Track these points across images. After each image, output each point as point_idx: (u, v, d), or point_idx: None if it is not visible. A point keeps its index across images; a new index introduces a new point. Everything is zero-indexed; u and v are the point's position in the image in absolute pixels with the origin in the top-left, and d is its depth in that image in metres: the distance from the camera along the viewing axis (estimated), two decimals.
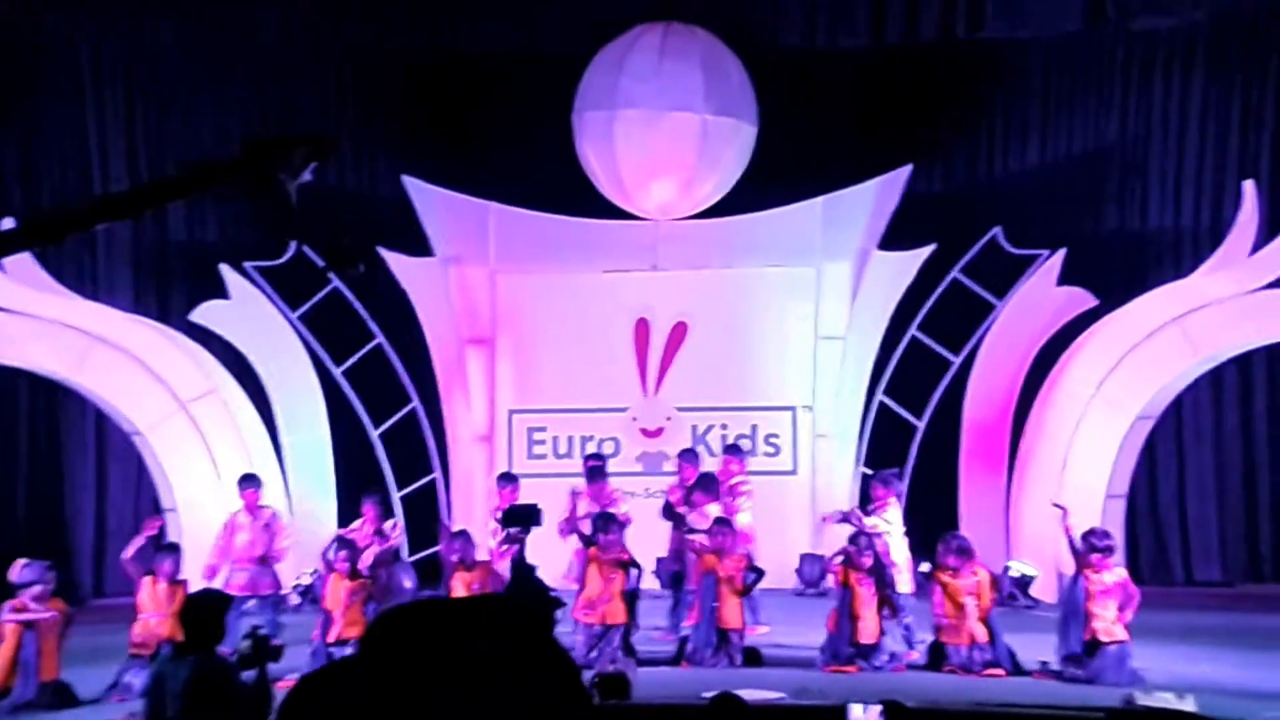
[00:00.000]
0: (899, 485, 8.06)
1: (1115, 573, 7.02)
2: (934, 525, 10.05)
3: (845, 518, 7.96)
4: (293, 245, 10.77)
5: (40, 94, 10.55)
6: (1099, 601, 6.84)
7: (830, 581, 8.16)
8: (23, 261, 9.63)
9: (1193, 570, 10.90)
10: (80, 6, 10.47)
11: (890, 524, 7.72)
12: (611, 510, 7.99)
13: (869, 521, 7.67)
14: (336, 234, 6.27)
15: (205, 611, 4.33)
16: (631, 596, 7.60)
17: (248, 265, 10.54)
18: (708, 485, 8.21)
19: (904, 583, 7.58)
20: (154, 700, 4.11)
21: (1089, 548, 6.99)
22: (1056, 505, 7.38)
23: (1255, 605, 9.70)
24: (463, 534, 7.91)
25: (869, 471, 10.74)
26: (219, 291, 10.46)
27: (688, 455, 8.97)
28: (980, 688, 6.60)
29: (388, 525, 8.40)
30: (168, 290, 10.94)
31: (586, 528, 7.85)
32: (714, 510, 7.98)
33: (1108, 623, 6.80)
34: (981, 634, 7.02)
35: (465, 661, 1.20)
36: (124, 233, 10.92)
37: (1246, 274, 9.47)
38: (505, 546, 7.97)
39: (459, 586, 7.30)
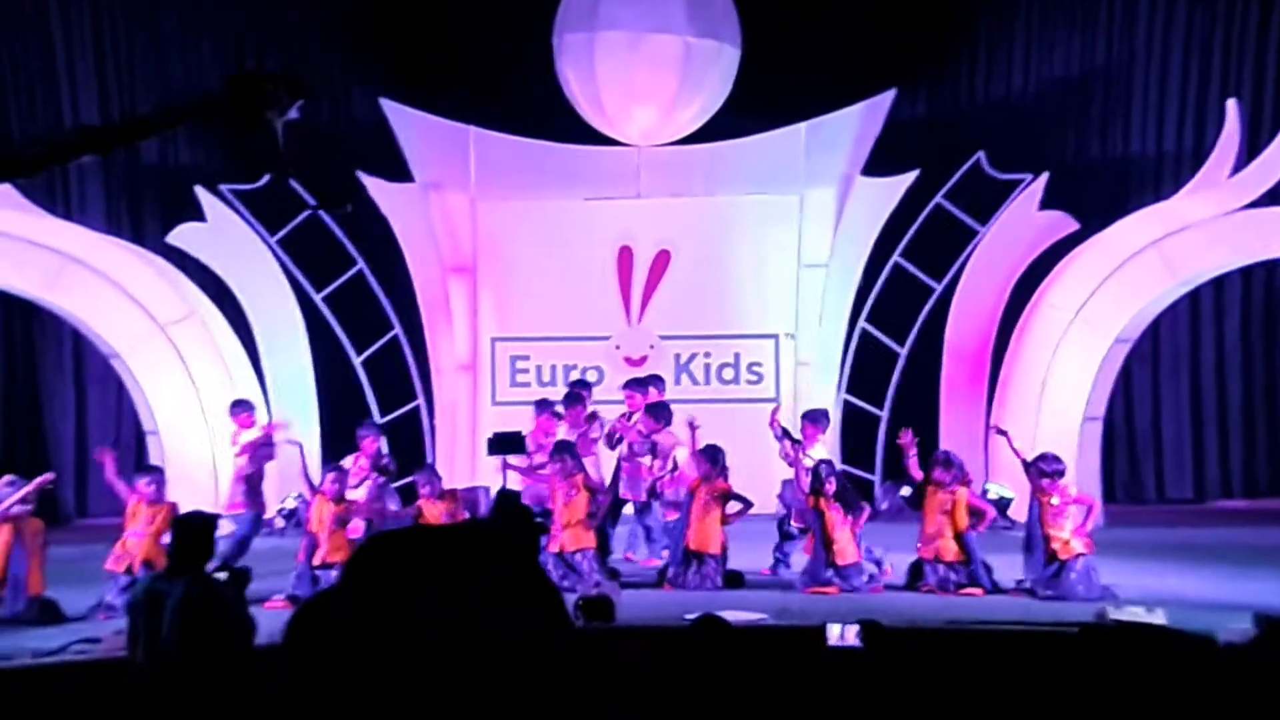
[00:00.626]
0: (827, 424, 8.16)
1: (1066, 492, 7.15)
2: (916, 450, 10.20)
3: (773, 424, 7.93)
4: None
5: (4, 19, 10.23)
6: (1054, 524, 6.98)
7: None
8: None
9: (1165, 488, 11.14)
10: None
11: (813, 460, 7.80)
12: (571, 438, 7.98)
13: (806, 461, 7.71)
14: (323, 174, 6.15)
15: (195, 532, 4.37)
16: (596, 519, 7.64)
17: (224, 188, 10.38)
18: (657, 414, 8.19)
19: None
20: (143, 618, 4.17)
21: (1038, 473, 7.12)
22: (999, 431, 7.49)
23: (1224, 521, 9.93)
24: (429, 468, 7.94)
25: (851, 398, 10.86)
26: (194, 214, 10.31)
27: (634, 385, 8.65)
28: (956, 606, 6.73)
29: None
30: (140, 211, 10.79)
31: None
32: (667, 439, 7.99)
33: (1062, 542, 6.95)
34: (949, 552, 7.15)
35: (448, 587, 1.21)
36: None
37: (1226, 195, 9.49)
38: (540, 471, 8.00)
39: (429, 519, 7.34)
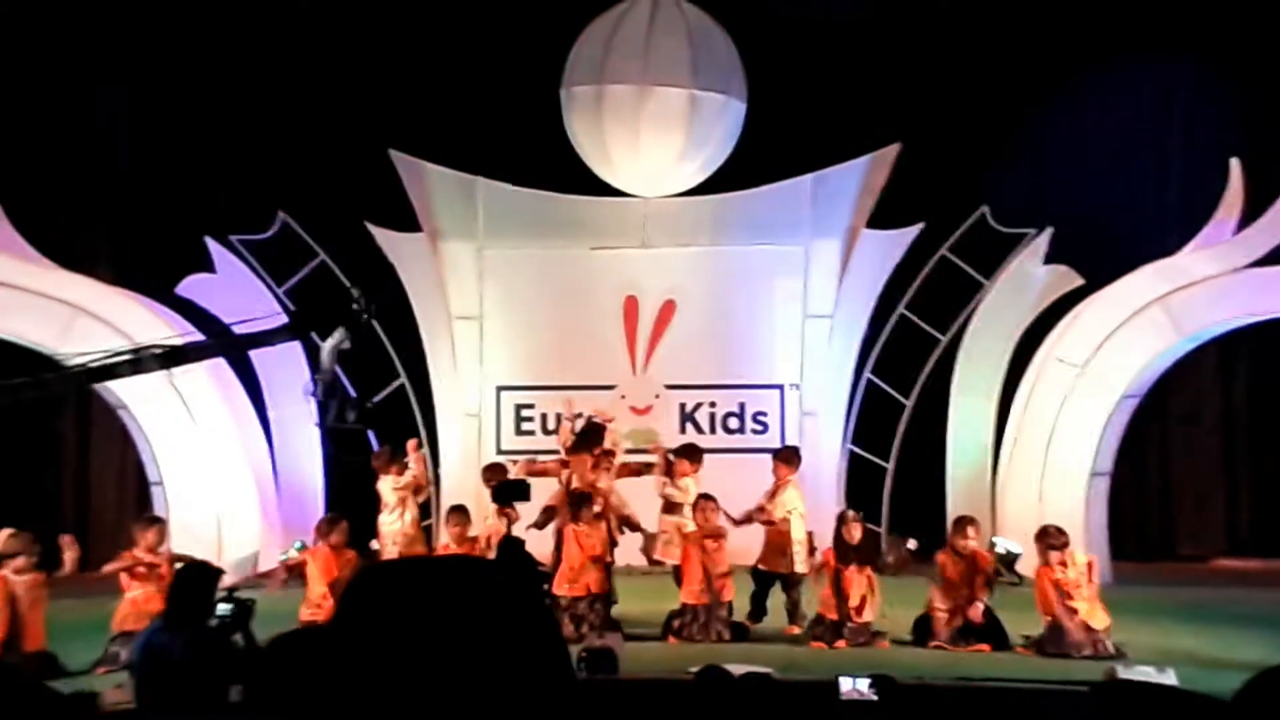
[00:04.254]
0: (798, 462, 8.09)
1: (1077, 561, 7.08)
2: (920, 503, 10.16)
3: (750, 518, 7.87)
4: (279, 219, 10.72)
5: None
6: (1080, 593, 6.91)
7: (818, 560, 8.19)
8: (6, 233, 9.52)
9: (1173, 545, 11.04)
10: None
11: (789, 504, 7.77)
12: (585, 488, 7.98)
13: (776, 513, 7.70)
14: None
15: (196, 584, 4.34)
16: (608, 569, 7.64)
17: (233, 238, 10.46)
18: (691, 455, 8.20)
19: (800, 562, 7.64)
20: (146, 672, 4.12)
21: (1046, 546, 7.05)
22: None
23: (1235, 580, 9.82)
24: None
25: (856, 449, 10.83)
26: (204, 264, 10.38)
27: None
28: (965, 662, 6.66)
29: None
30: (150, 262, 10.84)
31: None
32: (692, 484, 7.98)
33: (1095, 608, 6.88)
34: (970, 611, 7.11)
35: (446, 623, 1.15)
36: (107, 204, 10.81)
37: (1231, 253, 9.52)
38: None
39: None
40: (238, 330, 7.76)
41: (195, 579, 4.47)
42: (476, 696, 1.12)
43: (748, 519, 7.86)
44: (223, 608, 4.49)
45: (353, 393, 7.46)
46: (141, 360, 5.82)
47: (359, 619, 1.18)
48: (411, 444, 8.83)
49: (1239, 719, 1.65)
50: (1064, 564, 7.00)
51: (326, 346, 5.44)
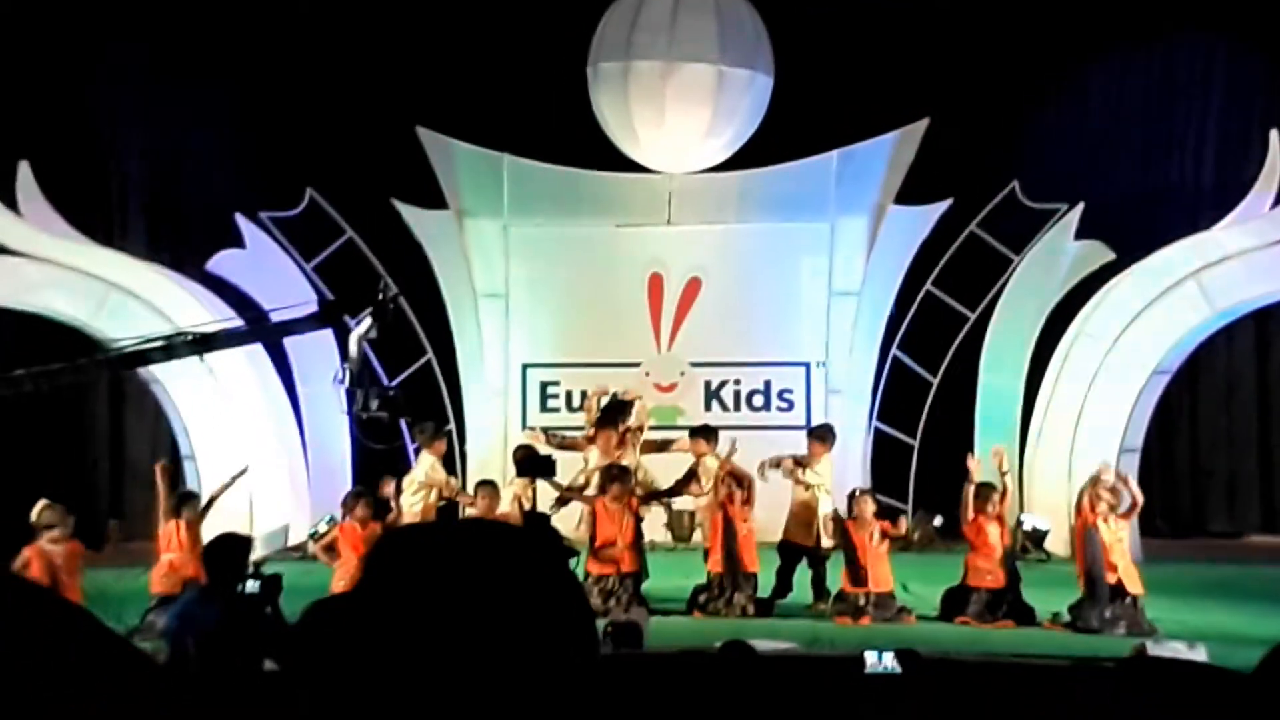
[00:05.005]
0: (833, 440, 8.09)
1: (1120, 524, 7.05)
2: (948, 480, 10.10)
3: (777, 463, 7.92)
4: (308, 196, 10.79)
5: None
6: (1121, 549, 6.89)
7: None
8: (41, 208, 9.64)
9: (1205, 522, 10.94)
10: None
11: (820, 478, 7.77)
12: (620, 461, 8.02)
13: (808, 477, 7.73)
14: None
15: (229, 553, 4.41)
16: (641, 545, 7.68)
17: (263, 215, 10.54)
18: (707, 435, 8.21)
19: (825, 537, 7.67)
20: (179, 641, 4.20)
21: (1090, 484, 7.06)
22: None
23: (1266, 556, 9.73)
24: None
25: (883, 426, 10.79)
26: (234, 241, 10.47)
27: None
28: (991, 638, 6.65)
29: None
30: (182, 238, 10.94)
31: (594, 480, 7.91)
32: (712, 463, 8.00)
33: (1132, 571, 6.86)
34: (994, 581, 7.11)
35: (471, 588, 1.13)
36: (139, 181, 10.91)
37: (1268, 226, 9.38)
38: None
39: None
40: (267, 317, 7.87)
41: (226, 549, 4.54)
42: (500, 665, 1.11)
43: (775, 464, 7.85)
44: (251, 585, 4.57)
45: (385, 380, 7.54)
46: (174, 347, 5.92)
47: (383, 584, 1.16)
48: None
49: (1259, 691, 1.64)
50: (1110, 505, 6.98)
51: (354, 336, 5.53)
